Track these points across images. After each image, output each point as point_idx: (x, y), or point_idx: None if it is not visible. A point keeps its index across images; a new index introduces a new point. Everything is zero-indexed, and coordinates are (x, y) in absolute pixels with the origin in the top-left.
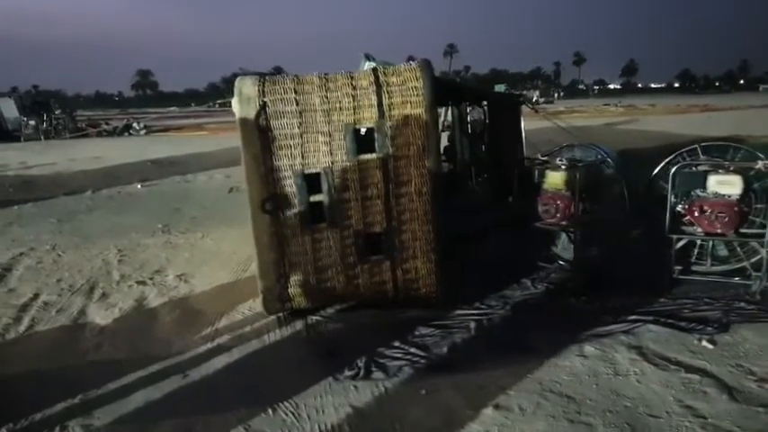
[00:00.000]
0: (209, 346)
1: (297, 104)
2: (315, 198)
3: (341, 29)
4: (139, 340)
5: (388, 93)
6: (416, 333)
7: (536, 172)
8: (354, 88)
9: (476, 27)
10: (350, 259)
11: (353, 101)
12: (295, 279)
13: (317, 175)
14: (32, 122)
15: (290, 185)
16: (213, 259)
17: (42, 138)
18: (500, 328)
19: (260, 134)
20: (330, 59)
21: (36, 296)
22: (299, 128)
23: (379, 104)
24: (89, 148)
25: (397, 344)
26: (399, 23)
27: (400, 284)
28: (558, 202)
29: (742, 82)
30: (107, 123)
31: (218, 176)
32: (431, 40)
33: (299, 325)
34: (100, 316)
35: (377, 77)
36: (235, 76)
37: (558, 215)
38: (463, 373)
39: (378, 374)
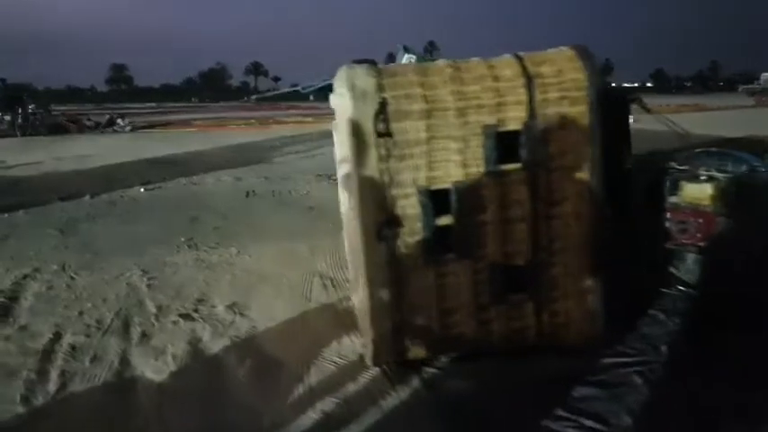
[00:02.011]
0: (312, 416)
1: (425, 102)
2: (441, 221)
3: (324, 25)
4: (215, 406)
5: (541, 86)
6: (575, 395)
7: (667, 183)
8: (497, 80)
9: (454, 23)
10: (483, 299)
11: (496, 96)
12: (414, 324)
13: (445, 191)
14: (8, 117)
15: (413, 205)
16: (262, 284)
17: (19, 134)
18: (673, 384)
19: (378, 140)
20: (321, 57)
21: (58, 337)
22: (426, 132)
23: (530, 101)
24: (74, 146)
25: (561, 412)
26: (383, 20)
27: (546, 330)
28: (699, 219)
29: (710, 82)
30: (89, 119)
31: (227, 178)
32: (411, 38)
33: (414, 381)
34: (150, 367)
35: (524, 66)
36: (212, 70)
37: (699, 234)
38: None
39: None
